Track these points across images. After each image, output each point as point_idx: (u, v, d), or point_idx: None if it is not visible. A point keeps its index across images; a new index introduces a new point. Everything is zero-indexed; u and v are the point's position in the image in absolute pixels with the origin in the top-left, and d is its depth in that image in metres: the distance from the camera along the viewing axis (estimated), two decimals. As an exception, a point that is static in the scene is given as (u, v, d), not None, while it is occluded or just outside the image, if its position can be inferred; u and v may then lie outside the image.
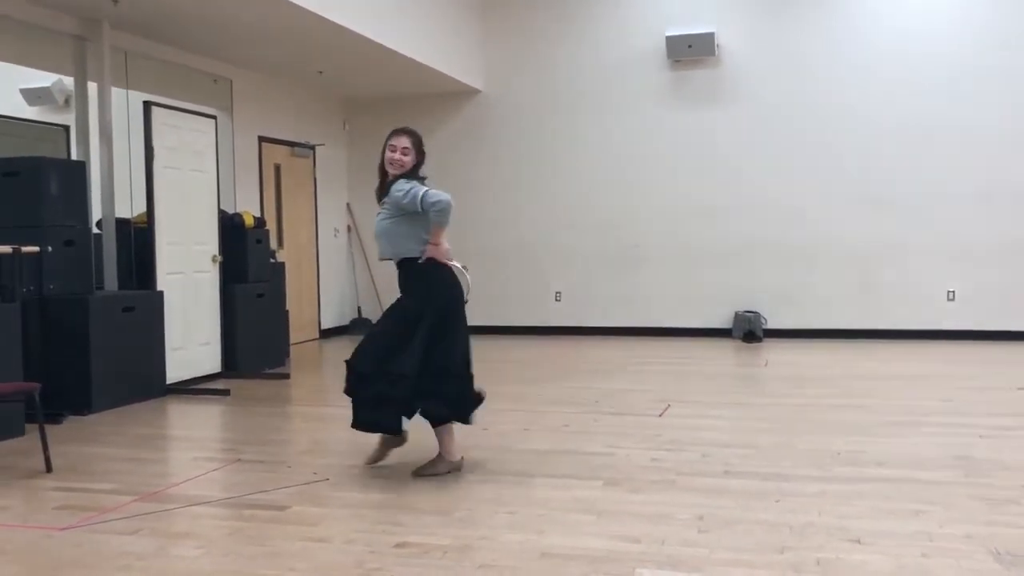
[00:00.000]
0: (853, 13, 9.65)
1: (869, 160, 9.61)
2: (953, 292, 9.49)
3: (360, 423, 4.37)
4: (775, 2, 9.84)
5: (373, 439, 4.60)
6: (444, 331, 4.30)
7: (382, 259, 4.47)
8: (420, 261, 4.31)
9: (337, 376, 8.10)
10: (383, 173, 4.43)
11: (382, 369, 4.23)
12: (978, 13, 9.32)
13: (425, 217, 4.26)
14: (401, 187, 4.29)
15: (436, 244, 4.29)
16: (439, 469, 4.36)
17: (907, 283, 9.57)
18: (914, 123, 9.47)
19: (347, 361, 4.41)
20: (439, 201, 4.23)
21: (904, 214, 9.54)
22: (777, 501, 3.82)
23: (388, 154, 4.37)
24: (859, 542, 3.30)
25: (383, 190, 4.42)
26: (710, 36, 9.73)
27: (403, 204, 4.27)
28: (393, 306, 4.48)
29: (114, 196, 7.02)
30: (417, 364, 4.21)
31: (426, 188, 4.28)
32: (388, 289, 10.97)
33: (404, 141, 4.36)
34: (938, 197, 9.45)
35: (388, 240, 4.37)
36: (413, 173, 4.38)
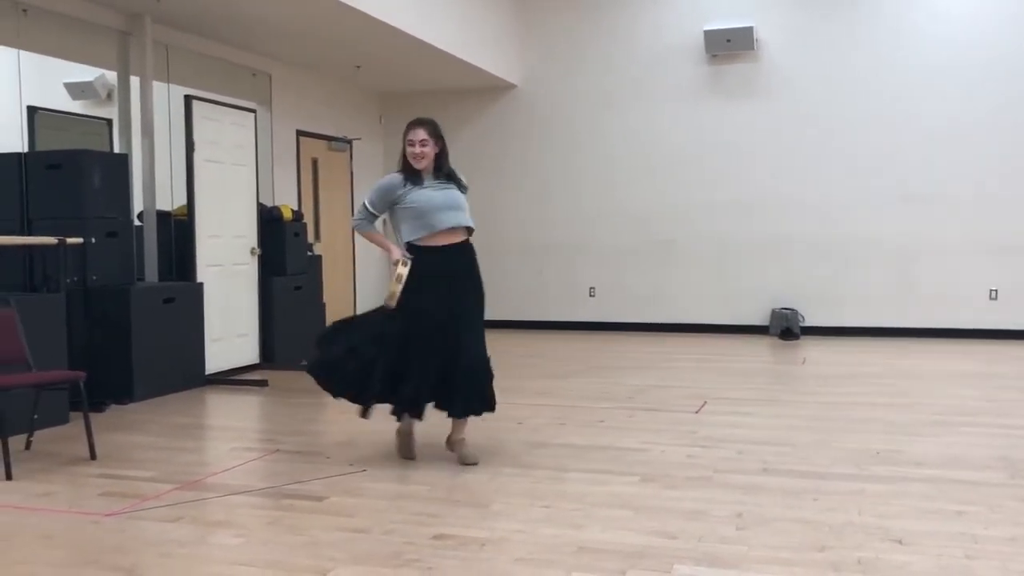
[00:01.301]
0: (892, 8, 9.50)
1: (909, 156, 9.47)
2: (996, 291, 9.32)
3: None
4: (815, -4, 9.74)
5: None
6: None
7: (458, 226, 4.40)
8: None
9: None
10: (408, 166, 4.42)
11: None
12: (1019, 13, 9.13)
13: None
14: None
15: None
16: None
17: (948, 281, 9.42)
18: (955, 119, 9.32)
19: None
20: None
21: (947, 212, 9.39)
22: (815, 500, 3.78)
23: (409, 149, 4.40)
24: (900, 542, 3.26)
25: (446, 176, 4.47)
26: (749, 30, 9.65)
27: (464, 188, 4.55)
28: (473, 295, 4.46)
29: (155, 189, 7.12)
30: None
31: None
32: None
33: (420, 133, 4.39)
34: (980, 194, 9.29)
35: (464, 211, 4.45)
36: (443, 162, 4.45)
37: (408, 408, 4.42)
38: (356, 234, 4.56)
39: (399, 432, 4.57)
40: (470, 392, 4.37)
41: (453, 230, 4.38)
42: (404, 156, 4.43)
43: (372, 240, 4.60)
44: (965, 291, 9.39)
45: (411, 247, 4.37)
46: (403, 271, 4.31)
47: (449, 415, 4.44)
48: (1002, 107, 9.18)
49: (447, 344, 4.32)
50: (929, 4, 9.41)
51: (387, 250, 4.49)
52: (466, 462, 4.40)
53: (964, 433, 5.04)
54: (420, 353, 4.32)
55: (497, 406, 4.48)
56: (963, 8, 9.30)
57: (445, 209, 4.37)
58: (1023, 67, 9.12)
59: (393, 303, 4.30)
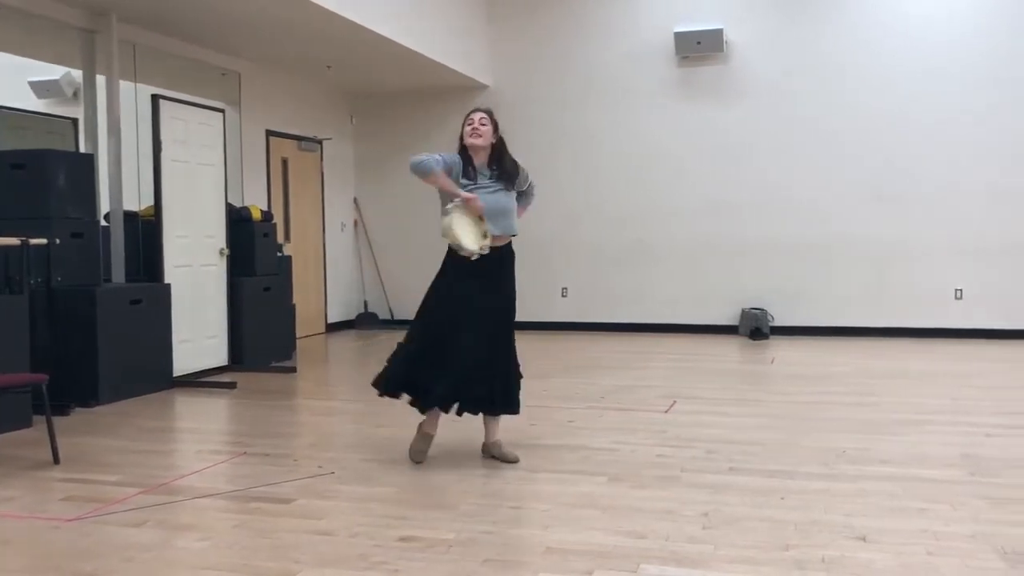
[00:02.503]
0: (863, 10, 9.61)
1: (878, 157, 9.58)
2: (961, 290, 9.45)
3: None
4: (784, -2, 9.82)
5: (378, 436, 4.59)
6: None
7: (497, 235, 4.35)
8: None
9: (343, 370, 8.14)
10: (465, 151, 4.44)
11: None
12: (991, 11, 9.27)
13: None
14: (523, 169, 4.56)
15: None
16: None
17: (915, 281, 9.54)
18: (924, 121, 9.44)
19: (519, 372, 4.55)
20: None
21: (913, 212, 9.51)
22: (782, 498, 3.82)
23: (467, 128, 4.44)
24: (864, 540, 3.29)
25: (500, 170, 4.46)
26: (718, 32, 9.71)
27: (528, 182, 4.60)
28: (500, 296, 4.46)
29: (122, 189, 7.04)
30: None
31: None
32: (395, 283, 11.02)
33: (479, 114, 4.48)
34: (947, 195, 9.42)
35: (513, 218, 4.47)
36: (503, 153, 4.49)
37: (440, 401, 4.39)
38: (418, 173, 4.34)
39: (423, 434, 4.52)
40: (500, 392, 4.43)
41: (496, 236, 4.37)
42: (461, 143, 4.45)
43: (436, 180, 4.31)
44: (931, 291, 9.51)
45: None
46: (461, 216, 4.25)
47: (482, 412, 4.48)
48: (975, 110, 9.31)
49: (479, 337, 4.34)
50: (898, 5, 9.52)
51: (447, 190, 4.31)
52: (509, 460, 4.45)
53: (929, 432, 5.11)
54: (457, 343, 4.32)
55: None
56: (932, 10, 9.42)
57: (490, 216, 4.33)
58: (992, 69, 9.25)
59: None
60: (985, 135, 9.29)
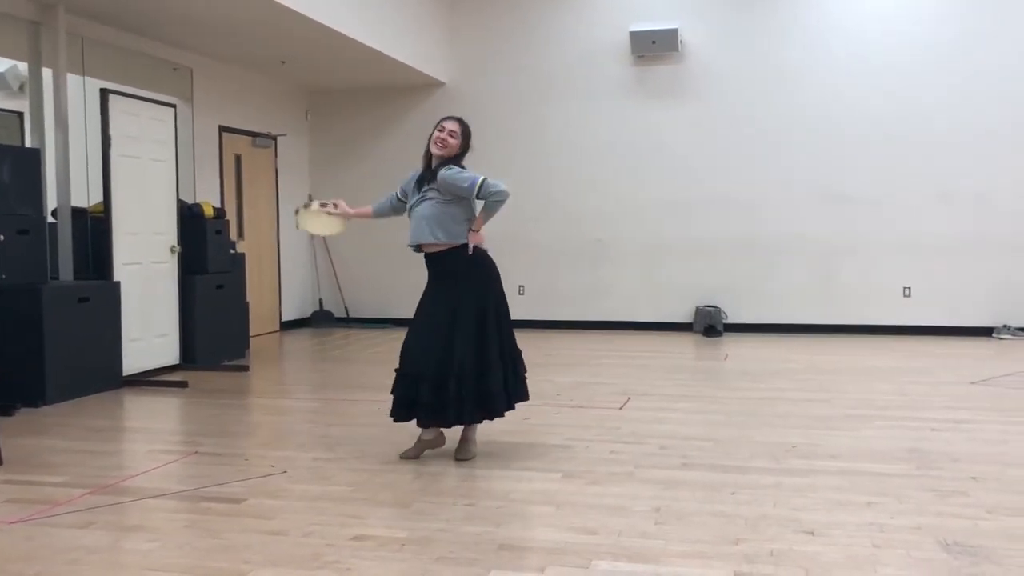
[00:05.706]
0: (815, 12, 9.75)
1: (830, 158, 9.73)
2: (909, 288, 9.64)
3: (432, 421, 4.41)
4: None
5: (331, 434, 4.56)
6: (506, 316, 4.54)
7: (418, 243, 4.38)
8: (469, 248, 4.38)
9: (297, 368, 8.07)
10: (428, 158, 4.43)
11: (448, 366, 4.32)
12: (941, 15, 9.46)
13: (469, 203, 4.39)
14: (458, 172, 4.34)
15: (478, 231, 4.40)
16: (472, 452, 4.51)
17: (865, 279, 9.72)
18: (875, 122, 9.61)
19: (400, 369, 4.42)
20: (501, 191, 4.34)
21: (864, 212, 9.68)
22: (733, 493, 3.86)
23: (436, 134, 4.38)
24: (812, 533, 3.34)
25: (429, 176, 4.39)
26: (673, 32, 9.79)
27: (461, 187, 4.30)
28: (439, 297, 4.40)
29: (70, 184, 6.89)
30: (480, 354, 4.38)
31: (484, 176, 4.34)
32: (350, 282, 10.94)
33: (453, 125, 4.40)
34: (897, 196, 9.60)
35: (439, 224, 4.32)
36: (457, 160, 4.42)
37: (428, 416, 4.38)
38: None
39: (421, 441, 4.50)
40: (513, 383, 4.49)
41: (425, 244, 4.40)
42: (427, 146, 4.42)
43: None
44: (881, 289, 9.69)
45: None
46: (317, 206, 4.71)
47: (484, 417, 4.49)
48: (924, 113, 9.48)
49: (451, 340, 4.32)
50: (852, 10, 9.67)
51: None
52: (463, 457, 4.45)
53: (877, 426, 5.20)
54: (433, 349, 4.32)
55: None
56: (885, 11, 9.58)
57: (413, 223, 4.39)
58: (940, 70, 9.44)
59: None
60: (934, 135, 9.47)
